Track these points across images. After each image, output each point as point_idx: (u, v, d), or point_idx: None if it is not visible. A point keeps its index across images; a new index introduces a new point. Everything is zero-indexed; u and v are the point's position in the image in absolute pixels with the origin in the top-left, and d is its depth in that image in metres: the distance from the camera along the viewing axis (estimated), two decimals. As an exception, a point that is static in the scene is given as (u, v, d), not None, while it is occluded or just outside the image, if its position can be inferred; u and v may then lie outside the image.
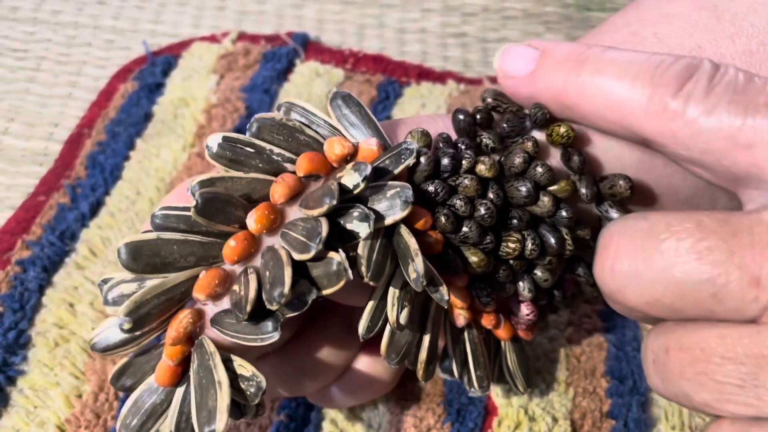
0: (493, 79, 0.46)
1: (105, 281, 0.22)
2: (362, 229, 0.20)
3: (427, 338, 0.24)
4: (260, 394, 0.20)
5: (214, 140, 0.22)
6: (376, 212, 0.21)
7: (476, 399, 0.31)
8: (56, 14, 0.50)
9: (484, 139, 0.23)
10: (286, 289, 0.19)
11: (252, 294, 0.20)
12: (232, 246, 0.21)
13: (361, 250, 0.21)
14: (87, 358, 0.32)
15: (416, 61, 0.47)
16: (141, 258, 0.21)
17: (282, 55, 0.45)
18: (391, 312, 0.21)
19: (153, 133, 0.42)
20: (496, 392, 0.31)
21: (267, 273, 0.20)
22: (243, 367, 0.21)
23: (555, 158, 0.24)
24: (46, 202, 0.37)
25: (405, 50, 0.49)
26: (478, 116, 0.24)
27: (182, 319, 0.21)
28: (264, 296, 0.20)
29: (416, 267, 0.20)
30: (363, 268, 0.20)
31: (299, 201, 0.21)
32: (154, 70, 0.45)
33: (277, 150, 0.22)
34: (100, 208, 0.38)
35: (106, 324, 0.22)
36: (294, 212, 0.21)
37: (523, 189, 0.22)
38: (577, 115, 0.23)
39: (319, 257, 0.20)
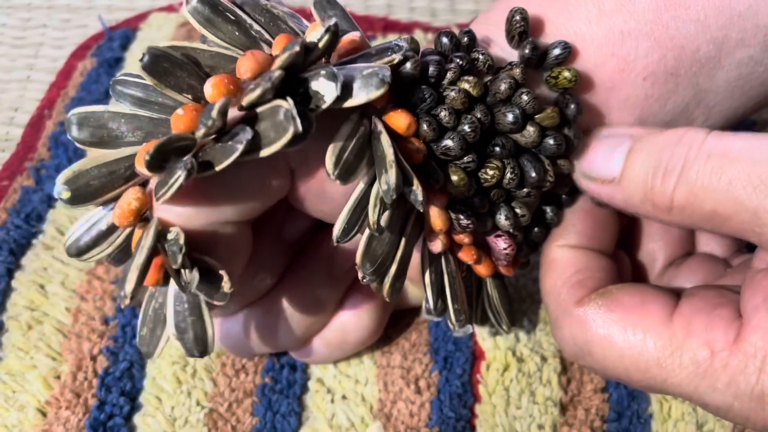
0: (461, 26, 0.44)
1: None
2: (329, 90, 0.18)
3: (399, 253, 0.22)
4: (181, 252, 0.19)
5: None
6: (349, 89, 0.19)
7: (463, 345, 0.31)
8: (8, -2, 0.48)
9: (480, 56, 0.22)
10: (216, 110, 0.18)
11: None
12: (179, 115, 0.19)
13: (332, 148, 0.19)
14: (62, 339, 0.31)
15: (382, 14, 0.46)
16: (86, 128, 0.20)
17: (242, 18, 0.44)
18: (372, 212, 0.20)
19: (116, 108, 0.40)
20: (482, 336, 0.31)
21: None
22: (176, 234, 0.19)
23: (541, 87, 0.23)
24: (10, 186, 0.36)
25: (370, 4, 0.48)
26: (466, 38, 0.23)
27: (126, 195, 0.20)
28: (200, 120, 0.18)
29: (388, 179, 0.19)
30: (330, 165, 0.19)
31: None
32: (112, 45, 0.43)
33: (257, 27, 0.21)
34: (67, 188, 0.37)
35: (77, 225, 0.21)
36: None
37: (510, 116, 0.21)
38: (678, 220, 0.20)
39: (266, 104, 0.18)
